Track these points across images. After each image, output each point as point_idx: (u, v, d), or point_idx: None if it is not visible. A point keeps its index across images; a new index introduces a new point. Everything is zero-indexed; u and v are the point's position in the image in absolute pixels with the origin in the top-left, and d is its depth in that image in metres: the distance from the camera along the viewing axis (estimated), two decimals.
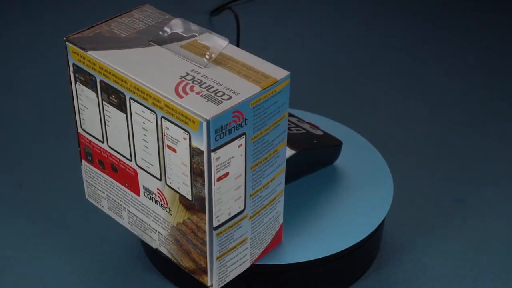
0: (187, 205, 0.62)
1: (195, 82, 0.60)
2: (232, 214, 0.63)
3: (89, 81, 0.65)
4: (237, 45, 1.09)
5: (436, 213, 0.87)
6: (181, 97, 0.58)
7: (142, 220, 0.69)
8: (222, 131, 0.58)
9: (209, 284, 0.66)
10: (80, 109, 0.68)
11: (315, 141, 0.78)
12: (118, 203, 0.71)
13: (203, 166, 0.59)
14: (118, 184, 0.69)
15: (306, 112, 0.94)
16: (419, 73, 1.15)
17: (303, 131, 0.80)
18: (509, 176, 0.93)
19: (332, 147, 0.79)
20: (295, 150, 0.75)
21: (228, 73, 0.61)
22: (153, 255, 0.78)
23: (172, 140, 0.60)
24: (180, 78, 0.60)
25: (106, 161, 0.69)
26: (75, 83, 0.66)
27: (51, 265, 0.78)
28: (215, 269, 0.65)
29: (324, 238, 0.73)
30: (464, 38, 1.25)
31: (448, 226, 0.85)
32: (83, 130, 0.70)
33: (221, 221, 0.63)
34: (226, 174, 0.60)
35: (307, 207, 0.76)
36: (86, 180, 0.73)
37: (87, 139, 0.70)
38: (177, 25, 0.65)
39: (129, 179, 0.68)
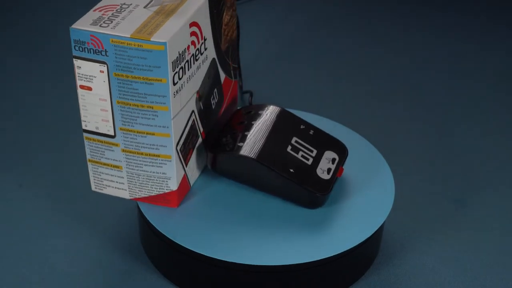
0: None
1: (117, 10, 0.70)
2: (100, 131, 0.73)
3: None
4: (237, 45, 1.09)
5: (436, 213, 0.87)
6: (94, 11, 0.70)
7: None
8: (80, 45, 0.68)
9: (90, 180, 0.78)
10: None
11: (291, 170, 0.75)
12: None
13: None
14: None
15: (306, 112, 0.94)
16: (419, 73, 1.15)
17: (306, 162, 0.77)
18: (508, 176, 0.93)
19: (302, 189, 0.75)
20: (251, 155, 0.75)
21: (144, 17, 0.70)
22: (153, 255, 0.78)
23: None
24: (119, 3, 0.72)
25: None
26: None
27: (51, 265, 0.78)
28: (89, 169, 0.77)
29: (325, 239, 0.73)
30: (463, 38, 1.25)
31: (448, 226, 0.85)
32: None
33: (89, 128, 0.74)
34: (89, 88, 0.71)
35: (308, 208, 0.76)
36: None
37: None
38: None
39: None
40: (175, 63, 0.68)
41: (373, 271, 0.79)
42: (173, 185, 0.74)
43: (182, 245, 0.71)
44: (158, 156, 0.73)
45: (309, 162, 0.77)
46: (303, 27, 1.26)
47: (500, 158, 0.96)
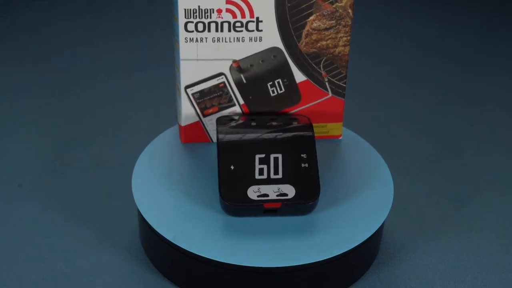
0: None
1: None
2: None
3: None
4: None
5: (436, 213, 0.87)
6: None
7: None
8: None
9: None
10: None
11: (231, 167, 0.74)
12: None
13: None
14: None
15: None
16: (419, 73, 1.15)
17: (255, 175, 0.74)
18: (508, 176, 0.93)
19: (219, 184, 0.74)
20: (218, 134, 0.78)
21: None
22: (153, 255, 0.78)
23: None
24: None
25: None
26: None
27: (51, 265, 0.78)
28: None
29: (325, 239, 0.73)
30: (464, 37, 1.25)
31: (448, 226, 0.85)
32: None
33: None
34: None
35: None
36: None
37: None
38: None
39: None
40: (190, 13, 0.77)
41: (373, 271, 0.79)
42: (180, 120, 0.83)
43: (182, 246, 0.71)
44: (178, 88, 0.82)
45: (257, 177, 0.73)
46: None
47: (500, 158, 0.97)
